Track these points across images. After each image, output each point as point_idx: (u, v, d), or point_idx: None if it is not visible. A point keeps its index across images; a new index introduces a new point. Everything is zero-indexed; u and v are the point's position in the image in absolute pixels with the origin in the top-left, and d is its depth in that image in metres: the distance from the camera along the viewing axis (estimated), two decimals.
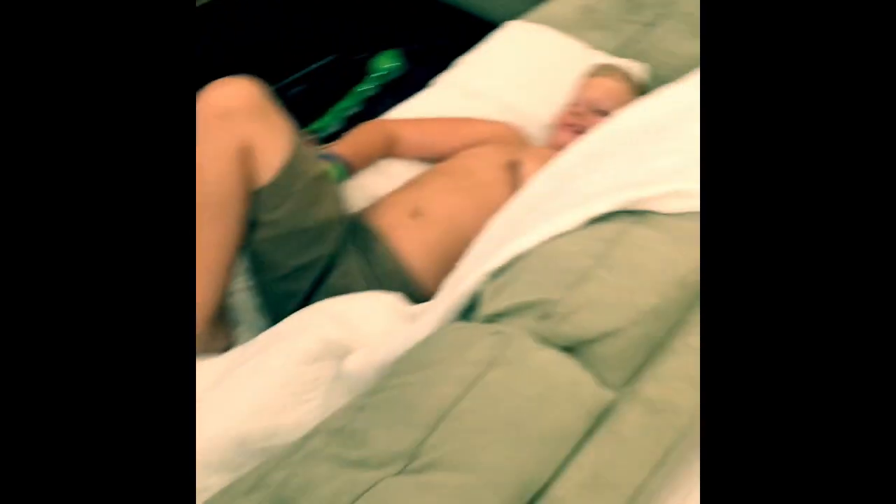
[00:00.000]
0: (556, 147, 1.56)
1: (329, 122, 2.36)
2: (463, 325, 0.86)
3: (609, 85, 1.62)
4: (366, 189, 1.62)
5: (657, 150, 1.05)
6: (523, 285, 0.91)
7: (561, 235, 0.98)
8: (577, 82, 1.70)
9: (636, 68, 1.79)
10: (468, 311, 1.01)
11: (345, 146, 1.55)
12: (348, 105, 2.42)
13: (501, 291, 0.93)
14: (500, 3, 2.54)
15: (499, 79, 1.82)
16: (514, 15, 2.04)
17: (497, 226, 1.22)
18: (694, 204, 0.95)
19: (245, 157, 1.24)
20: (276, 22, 2.14)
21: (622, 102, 1.58)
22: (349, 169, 1.52)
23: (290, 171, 1.26)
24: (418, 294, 1.39)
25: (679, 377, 0.82)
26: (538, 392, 0.76)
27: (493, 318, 0.90)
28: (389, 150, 1.64)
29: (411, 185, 1.53)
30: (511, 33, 1.95)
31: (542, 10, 2.04)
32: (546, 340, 0.83)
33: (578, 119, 1.58)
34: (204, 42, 1.87)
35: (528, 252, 0.98)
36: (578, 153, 1.23)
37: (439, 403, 0.74)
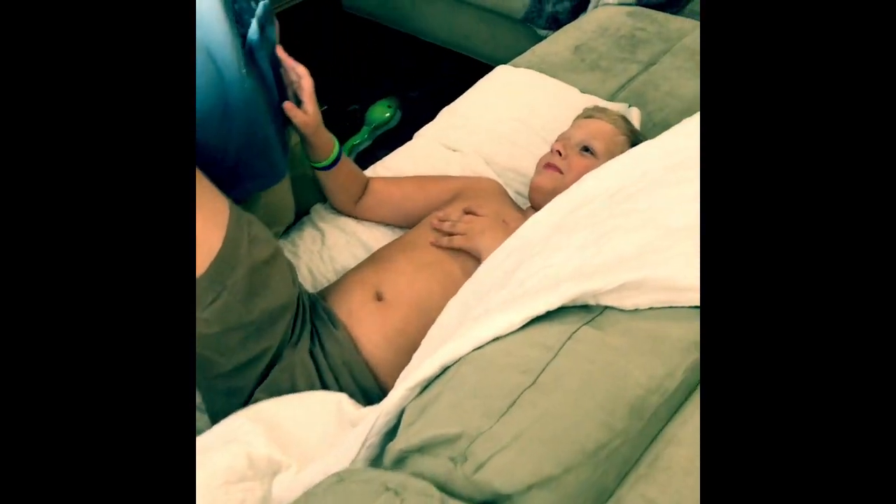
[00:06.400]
0: (535, 190, 1.40)
1: None
2: (355, 474, 0.68)
3: (597, 125, 1.43)
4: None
5: (619, 226, 0.86)
6: (444, 409, 0.73)
7: (501, 338, 0.80)
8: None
9: (631, 113, 1.60)
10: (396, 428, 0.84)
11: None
12: None
13: (421, 415, 0.75)
14: (499, 44, 2.38)
15: (481, 131, 1.65)
16: (513, 55, 1.88)
17: (449, 314, 1.05)
18: (657, 298, 0.76)
19: None
20: None
21: (611, 145, 1.40)
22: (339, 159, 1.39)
23: (225, 260, 1.09)
24: (374, 388, 1.22)
25: None
26: None
27: (405, 456, 0.72)
28: (362, 191, 1.48)
29: (375, 261, 1.36)
30: (498, 79, 1.78)
31: (535, 51, 1.87)
32: (458, 494, 0.65)
33: (560, 160, 1.39)
34: None
35: (462, 359, 0.80)
36: (542, 223, 1.04)
37: None
